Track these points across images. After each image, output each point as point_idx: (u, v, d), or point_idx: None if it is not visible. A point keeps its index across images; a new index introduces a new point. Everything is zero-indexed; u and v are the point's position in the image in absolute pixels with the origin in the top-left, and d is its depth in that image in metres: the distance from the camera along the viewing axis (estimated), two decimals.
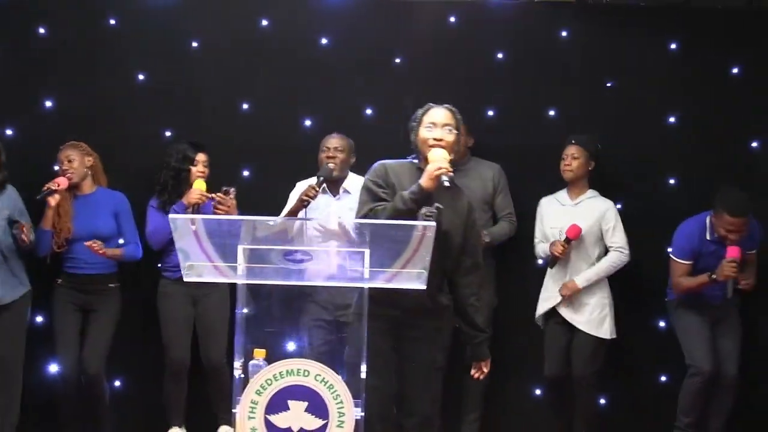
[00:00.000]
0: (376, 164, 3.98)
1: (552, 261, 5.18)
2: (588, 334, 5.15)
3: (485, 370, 4.07)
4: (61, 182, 5.04)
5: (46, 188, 4.98)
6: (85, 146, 5.24)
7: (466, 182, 5.14)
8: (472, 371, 4.08)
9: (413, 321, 3.85)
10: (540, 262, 5.41)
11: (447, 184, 3.71)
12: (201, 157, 5.25)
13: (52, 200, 4.99)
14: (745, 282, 5.07)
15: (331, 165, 5.00)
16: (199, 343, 5.23)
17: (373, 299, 3.52)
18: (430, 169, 3.74)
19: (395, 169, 3.93)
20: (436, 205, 3.75)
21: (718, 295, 5.06)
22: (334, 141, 5.12)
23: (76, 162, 5.17)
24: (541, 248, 5.32)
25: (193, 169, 5.22)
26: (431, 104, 4.00)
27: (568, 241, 5.12)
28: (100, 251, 5.00)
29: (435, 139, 3.87)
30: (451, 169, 3.76)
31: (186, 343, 5.19)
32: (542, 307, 5.27)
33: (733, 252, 4.93)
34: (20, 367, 5.05)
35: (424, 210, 3.72)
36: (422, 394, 3.89)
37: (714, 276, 4.98)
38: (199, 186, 5.10)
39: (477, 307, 4.01)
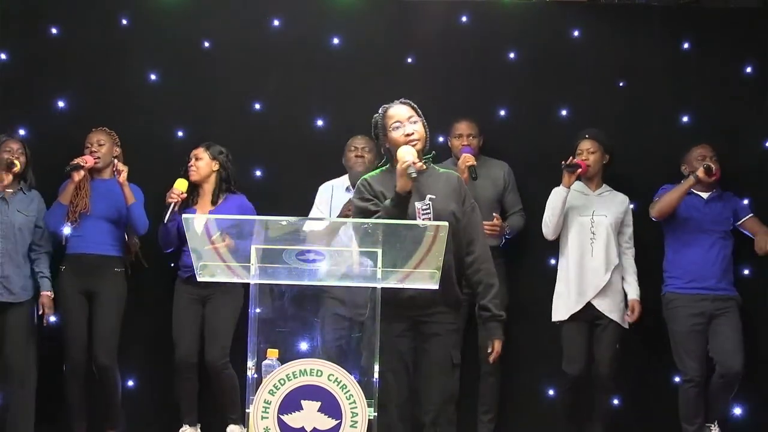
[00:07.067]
0: (358, 182, 3.93)
1: (572, 167, 5.08)
2: (612, 322, 5.11)
3: (496, 349, 3.89)
4: (88, 160, 5.13)
5: (74, 162, 5.05)
6: (116, 136, 5.32)
7: (477, 181, 5.16)
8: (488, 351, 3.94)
9: (430, 317, 3.82)
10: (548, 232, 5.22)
11: (413, 175, 3.62)
12: (196, 151, 5.26)
13: (76, 175, 5.07)
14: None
15: (359, 168, 5.00)
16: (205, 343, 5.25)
17: (390, 302, 3.51)
18: (399, 169, 3.68)
19: (377, 179, 3.88)
20: (429, 196, 3.76)
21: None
22: (361, 141, 5.12)
23: (105, 147, 5.24)
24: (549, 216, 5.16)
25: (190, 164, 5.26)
26: (385, 105, 3.93)
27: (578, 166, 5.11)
28: (122, 177, 5.08)
29: (407, 135, 3.80)
30: (417, 161, 3.68)
31: (191, 342, 5.20)
32: (563, 313, 5.16)
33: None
34: (33, 360, 5.07)
35: (419, 205, 3.74)
36: (438, 390, 3.83)
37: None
38: (179, 186, 5.12)
39: (488, 284, 3.87)
